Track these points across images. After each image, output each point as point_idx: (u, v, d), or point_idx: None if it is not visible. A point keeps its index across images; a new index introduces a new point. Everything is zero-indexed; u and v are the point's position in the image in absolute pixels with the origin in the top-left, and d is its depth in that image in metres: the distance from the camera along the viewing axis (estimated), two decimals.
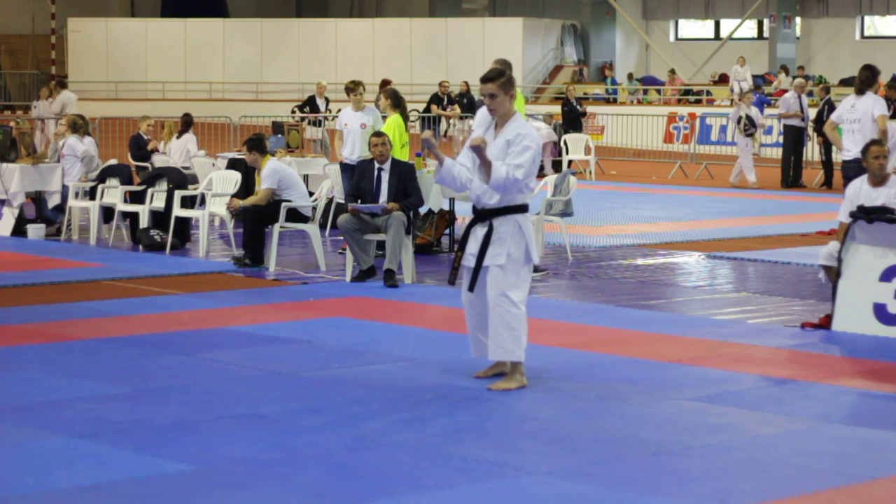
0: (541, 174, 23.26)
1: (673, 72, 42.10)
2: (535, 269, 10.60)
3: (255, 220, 13.67)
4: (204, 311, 11.10)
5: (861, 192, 10.63)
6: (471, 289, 8.27)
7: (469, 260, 8.28)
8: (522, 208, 8.25)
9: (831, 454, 6.83)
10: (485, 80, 8.25)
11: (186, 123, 19.30)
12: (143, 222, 15.38)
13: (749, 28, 45.69)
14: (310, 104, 27.47)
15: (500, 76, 8.25)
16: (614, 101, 40.83)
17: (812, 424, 7.44)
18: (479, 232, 8.24)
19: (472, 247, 8.27)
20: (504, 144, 8.17)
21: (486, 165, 8.07)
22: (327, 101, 27.48)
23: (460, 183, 8.27)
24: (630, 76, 44.08)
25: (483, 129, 8.35)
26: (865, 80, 14.35)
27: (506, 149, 8.15)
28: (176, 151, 18.83)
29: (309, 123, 26.11)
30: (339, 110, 16.38)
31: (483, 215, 8.24)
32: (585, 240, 15.80)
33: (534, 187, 8.44)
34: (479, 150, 8.06)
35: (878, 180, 10.62)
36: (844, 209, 10.58)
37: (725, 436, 7.17)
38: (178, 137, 19.16)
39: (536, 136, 8.28)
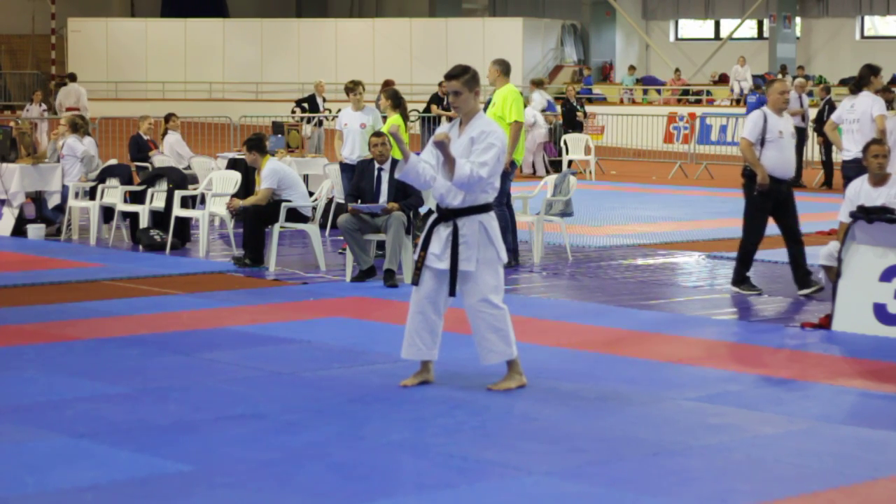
0: (537, 174, 23.29)
1: (678, 71, 42.09)
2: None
3: (255, 220, 13.67)
4: (204, 311, 11.10)
5: (861, 192, 10.64)
6: (452, 293, 8.17)
7: (431, 260, 8.12)
8: (486, 208, 8.13)
9: (831, 454, 6.83)
10: (449, 77, 8.16)
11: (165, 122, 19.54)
12: (143, 222, 15.37)
13: (749, 28, 45.68)
14: (310, 101, 27.48)
15: (464, 73, 8.14)
16: (605, 101, 40.82)
17: (812, 424, 7.44)
18: (443, 232, 8.10)
19: (435, 247, 8.13)
20: (468, 142, 8.06)
21: (449, 162, 7.97)
22: (324, 100, 27.49)
23: (424, 180, 8.11)
24: (632, 68, 44.01)
25: (447, 129, 8.28)
26: (860, 78, 14.32)
27: (470, 146, 8.04)
28: (167, 153, 18.89)
29: (307, 122, 26.11)
30: (339, 110, 16.38)
31: (446, 215, 8.13)
32: (585, 240, 15.80)
33: (499, 186, 8.28)
34: (442, 146, 7.95)
35: (879, 180, 10.63)
36: (844, 209, 10.58)
37: (725, 436, 7.16)
38: (162, 137, 19.32)
39: (501, 134, 8.17)
